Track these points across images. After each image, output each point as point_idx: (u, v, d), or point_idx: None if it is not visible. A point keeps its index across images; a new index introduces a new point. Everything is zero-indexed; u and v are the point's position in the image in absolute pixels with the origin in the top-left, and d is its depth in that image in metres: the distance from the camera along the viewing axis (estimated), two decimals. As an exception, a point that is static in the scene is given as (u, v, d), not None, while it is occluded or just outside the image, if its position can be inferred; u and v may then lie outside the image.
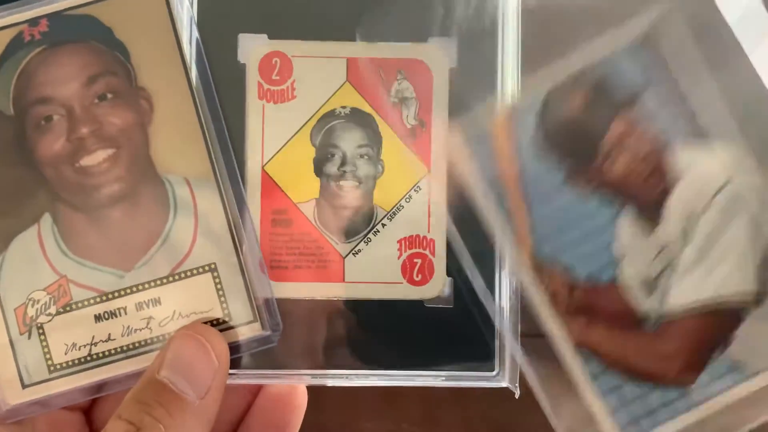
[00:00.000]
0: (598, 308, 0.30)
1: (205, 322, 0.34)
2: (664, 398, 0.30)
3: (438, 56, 0.36)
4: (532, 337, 0.31)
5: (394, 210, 0.36)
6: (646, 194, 0.30)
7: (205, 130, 0.35)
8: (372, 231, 0.36)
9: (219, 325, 0.34)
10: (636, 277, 0.30)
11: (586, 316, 0.30)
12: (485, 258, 0.34)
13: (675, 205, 0.30)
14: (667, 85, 0.30)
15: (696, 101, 0.30)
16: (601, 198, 0.30)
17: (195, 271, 0.35)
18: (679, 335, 0.30)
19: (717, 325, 0.30)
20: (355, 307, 0.35)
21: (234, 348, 0.34)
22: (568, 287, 0.30)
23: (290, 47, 0.36)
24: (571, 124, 0.30)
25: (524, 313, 0.31)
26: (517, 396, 0.34)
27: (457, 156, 0.31)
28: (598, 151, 0.30)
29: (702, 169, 0.30)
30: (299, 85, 0.36)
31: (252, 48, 0.35)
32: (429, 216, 0.35)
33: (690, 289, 0.30)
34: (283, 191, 0.36)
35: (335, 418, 0.39)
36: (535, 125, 0.30)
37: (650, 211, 0.30)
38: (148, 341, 0.34)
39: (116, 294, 0.34)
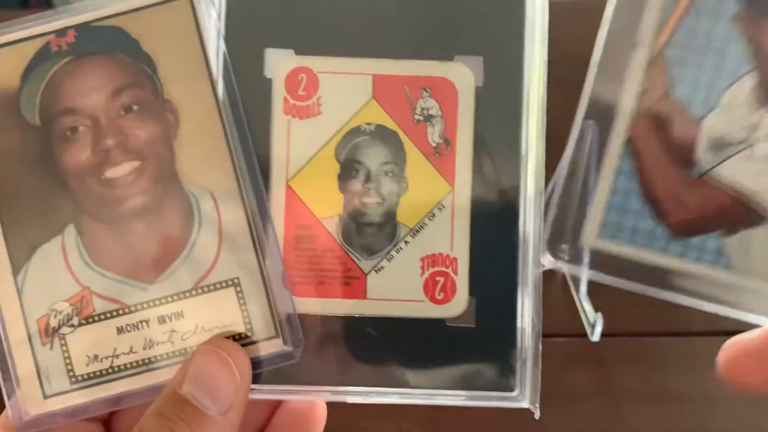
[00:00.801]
0: (671, 127, 0.31)
1: (227, 337, 0.34)
2: (653, 229, 0.32)
3: (464, 74, 0.36)
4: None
5: (417, 227, 0.36)
6: None
7: (231, 144, 0.35)
8: (395, 248, 0.36)
9: (241, 339, 0.34)
10: (716, 129, 0.31)
11: (657, 124, 0.31)
12: (508, 278, 0.35)
13: None
14: None
15: None
16: (747, 50, 0.31)
17: (218, 285, 0.35)
18: (706, 196, 0.31)
19: (739, 211, 0.31)
20: (377, 324, 0.35)
21: (256, 363, 0.34)
22: (664, 93, 0.31)
23: (317, 63, 0.36)
24: None
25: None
26: (537, 417, 0.35)
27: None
28: None
29: None
30: (325, 101, 0.36)
31: (278, 63, 0.36)
32: (452, 234, 0.35)
33: (743, 172, 0.31)
34: (307, 206, 0.36)
35: (335, 418, 0.39)
36: None
37: None
38: (170, 354, 0.34)
39: (139, 307, 0.34)
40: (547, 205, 0.33)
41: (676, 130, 0.31)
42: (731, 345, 0.28)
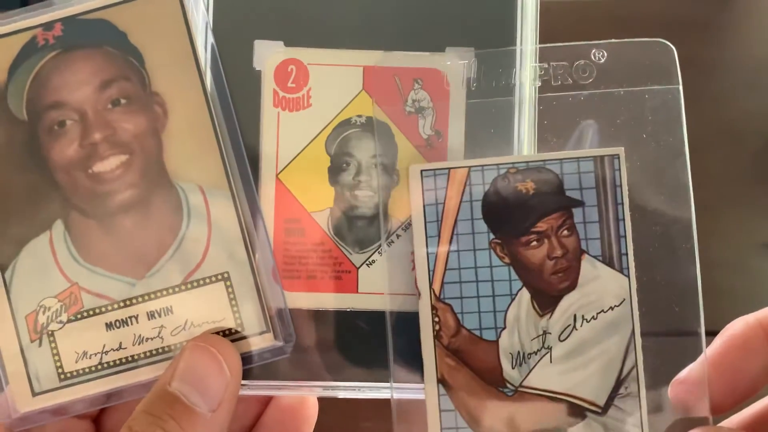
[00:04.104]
0: (471, 357, 0.34)
1: (217, 332, 0.34)
2: None
3: (455, 66, 0.35)
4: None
5: (408, 221, 0.35)
6: (550, 285, 0.34)
7: (220, 137, 0.34)
8: (386, 242, 0.35)
9: (231, 335, 0.34)
10: (513, 347, 0.34)
11: (458, 358, 0.34)
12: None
13: (568, 305, 0.34)
14: (607, 209, 0.34)
15: (624, 233, 0.34)
16: (510, 272, 0.34)
17: (208, 280, 0.34)
18: (525, 409, 0.34)
19: (559, 414, 0.34)
20: (368, 318, 0.35)
21: (246, 359, 0.34)
22: (455, 329, 0.34)
23: (306, 55, 0.35)
24: (510, 206, 0.34)
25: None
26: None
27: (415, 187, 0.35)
28: (522, 237, 0.34)
29: (602, 285, 0.34)
30: (315, 94, 0.35)
31: (268, 55, 0.35)
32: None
33: (550, 377, 0.34)
34: (297, 200, 0.35)
35: (335, 417, 0.39)
36: (482, 195, 0.34)
37: (547, 299, 0.34)
38: (160, 350, 0.34)
39: (128, 302, 0.34)
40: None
41: (478, 357, 0.34)
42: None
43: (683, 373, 0.33)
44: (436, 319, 0.34)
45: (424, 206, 0.34)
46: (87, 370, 0.34)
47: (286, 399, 0.37)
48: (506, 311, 0.34)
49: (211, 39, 0.35)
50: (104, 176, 0.34)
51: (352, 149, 0.35)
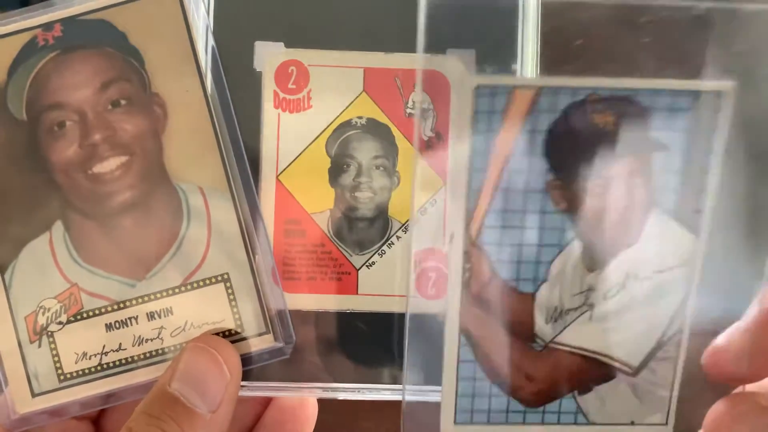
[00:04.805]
0: (501, 308, 0.31)
1: (217, 333, 0.34)
2: (508, 407, 0.32)
3: (456, 67, 0.35)
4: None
5: (409, 222, 0.35)
6: (607, 239, 0.30)
7: (220, 138, 0.34)
8: (386, 243, 0.35)
9: (231, 336, 0.34)
10: (550, 301, 0.31)
11: (485, 309, 0.31)
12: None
13: (622, 261, 0.30)
14: (693, 158, 0.29)
15: (709, 188, 0.30)
16: (564, 220, 0.30)
17: (207, 281, 0.34)
18: (553, 365, 0.31)
19: (588, 372, 0.31)
20: (368, 319, 0.35)
21: (246, 360, 0.34)
22: (488, 278, 0.30)
23: (307, 56, 0.35)
24: (581, 142, 0.29)
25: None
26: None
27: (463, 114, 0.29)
28: (588, 180, 0.30)
29: (664, 243, 0.30)
30: (315, 95, 0.35)
31: (268, 56, 0.35)
32: (444, 229, 0.35)
33: (586, 335, 0.31)
34: (297, 201, 0.35)
35: (335, 417, 0.39)
36: (548, 125, 0.29)
37: (600, 254, 0.31)
38: (160, 351, 0.34)
39: (128, 303, 0.34)
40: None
41: (510, 309, 0.31)
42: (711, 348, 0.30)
43: (720, 340, 0.30)
44: (468, 266, 0.30)
45: (471, 131, 0.29)
46: (86, 371, 0.34)
47: (286, 400, 0.37)
48: (551, 263, 0.30)
49: (211, 40, 0.35)
50: (104, 177, 0.34)
51: (353, 150, 0.35)
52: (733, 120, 0.28)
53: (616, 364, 0.32)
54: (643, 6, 0.29)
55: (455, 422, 0.32)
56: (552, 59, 0.31)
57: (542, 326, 0.31)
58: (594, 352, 0.31)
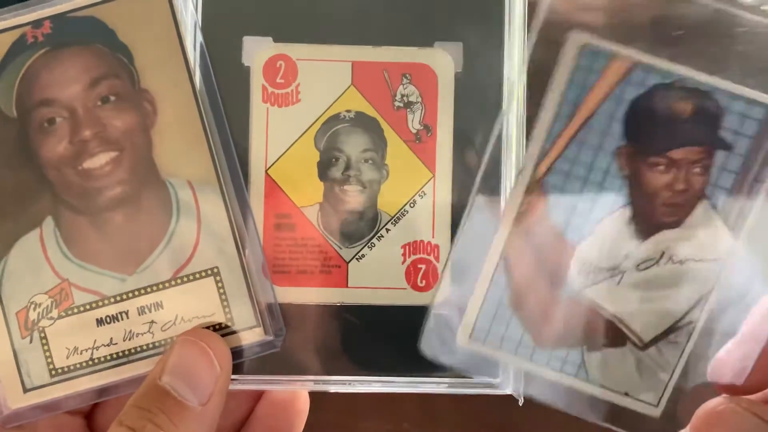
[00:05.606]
0: (544, 248, 0.33)
1: (208, 327, 0.34)
2: (521, 340, 0.34)
3: (444, 60, 0.35)
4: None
5: (398, 215, 0.35)
6: (655, 214, 0.32)
7: (209, 133, 0.34)
8: (376, 236, 0.35)
9: (221, 329, 0.34)
10: (589, 256, 0.33)
11: (532, 245, 0.33)
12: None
13: (663, 239, 0.32)
14: (751, 165, 0.32)
15: (758, 197, 0.32)
16: (623, 186, 0.32)
17: (197, 275, 0.34)
18: (573, 315, 0.33)
19: (602, 332, 0.33)
20: (359, 312, 0.35)
21: (236, 353, 0.34)
22: (540, 218, 0.32)
23: (295, 50, 0.35)
24: (658, 120, 0.32)
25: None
26: (521, 403, 0.34)
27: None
28: (655, 156, 0.32)
29: (705, 235, 0.32)
30: (304, 89, 0.35)
31: (256, 51, 0.35)
32: (433, 221, 0.35)
33: (611, 297, 0.33)
34: (286, 195, 0.35)
35: (334, 417, 0.39)
36: (634, 97, 0.32)
37: (646, 226, 0.32)
38: (150, 346, 0.34)
39: (118, 298, 0.34)
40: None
41: (550, 252, 0.33)
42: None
43: (721, 352, 0.32)
44: (527, 199, 0.32)
45: (569, 81, 0.32)
46: (78, 365, 0.34)
47: (278, 393, 0.37)
48: (600, 221, 0.32)
49: (199, 36, 0.35)
50: (94, 173, 0.34)
51: (341, 144, 0.35)
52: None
53: (629, 333, 0.33)
54: (743, 18, 0.31)
55: (470, 337, 0.33)
56: (652, 42, 0.32)
57: (574, 276, 0.33)
58: (613, 315, 0.33)
